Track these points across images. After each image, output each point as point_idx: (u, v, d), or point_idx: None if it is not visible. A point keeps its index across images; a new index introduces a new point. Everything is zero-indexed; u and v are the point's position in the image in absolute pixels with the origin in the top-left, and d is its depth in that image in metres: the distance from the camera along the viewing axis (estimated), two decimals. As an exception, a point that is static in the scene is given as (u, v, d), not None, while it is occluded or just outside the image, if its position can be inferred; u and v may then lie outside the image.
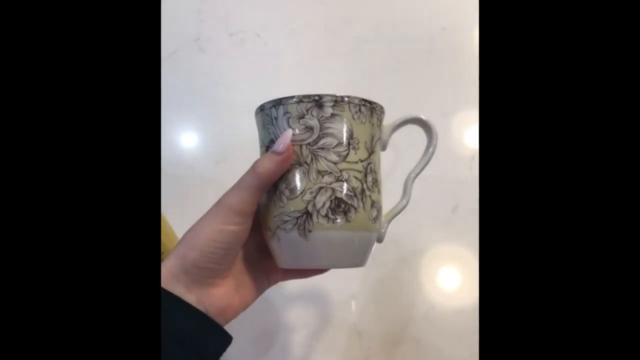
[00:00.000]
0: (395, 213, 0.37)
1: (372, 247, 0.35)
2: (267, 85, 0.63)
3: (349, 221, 0.32)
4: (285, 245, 0.33)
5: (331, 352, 0.52)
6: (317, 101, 0.32)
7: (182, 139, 0.62)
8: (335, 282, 0.54)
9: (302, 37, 0.66)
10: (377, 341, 0.52)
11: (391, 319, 0.53)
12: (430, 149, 0.37)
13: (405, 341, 0.52)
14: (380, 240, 0.36)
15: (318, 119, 0.32)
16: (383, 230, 0.36)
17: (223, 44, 0.66)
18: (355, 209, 0.32)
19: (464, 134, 0.60)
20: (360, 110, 0.33)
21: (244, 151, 0.61)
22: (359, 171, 0.33)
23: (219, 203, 0.32)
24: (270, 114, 0.33)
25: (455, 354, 0.51)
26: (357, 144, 0.33)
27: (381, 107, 0.35)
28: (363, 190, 0.33)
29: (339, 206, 0.32)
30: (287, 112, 0.32)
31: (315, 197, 0.32)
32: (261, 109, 0.34)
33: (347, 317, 0.53)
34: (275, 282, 0.38)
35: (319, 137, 0.32)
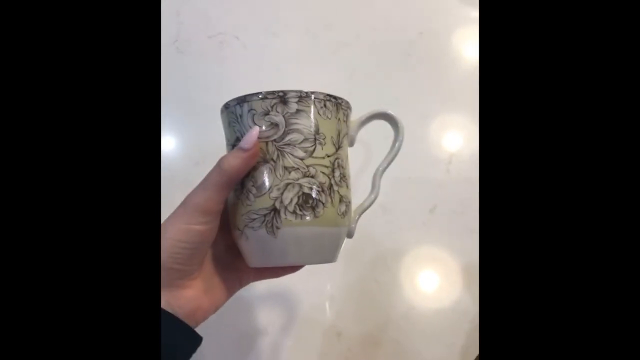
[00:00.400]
0: (365, 208, 0.37)
1: (342, 242, 0.35)
2: (247, 87, 0.63)
3: (317, 217, 0.32)
4: (253, 243, 0.32)
5: (310, 354, 0.52)
6: (282, 97, 0.32)
7: (161, 141, 0.61)
8: (314, 283, 0.54)
9: (282, 40, 0.66)
10: (357, 342, 0.52)
11: (370, 320, 0.53)
12: (397, 143, 0.37)
13: (384, 342, 0.52)
14: (350, 235, 0.36)
15: (283, 115, 0.32)
16: (353, 225, 0.36)
17: (202, 46, 0.65)
18: (323, 204, 0.32)
19: (442, 137, 0.61)
20: (325, 105, 0.33)
21: (223, 153, 0.60)
22: (326, 166, 0.32)
23: (184, 202, 0.31)
24: (235, 112, 0.33)
25: (434, 355, 0.52)
26: (324, 139, 0.32)
27: (347, 103, 0.35)
28: (331, 186, 0.32)
29: (306, 202, 0.31)
30: (251, 109, 0.32)
31: (282, 193, 0.31)
32: (226, 107, 0.33)
33: (326, 319, 0.53)
34: (247, 282, 0.37)
35: (285, 133, 0.31)
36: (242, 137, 0.32)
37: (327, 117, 0.33)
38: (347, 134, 0.35)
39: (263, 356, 0.52)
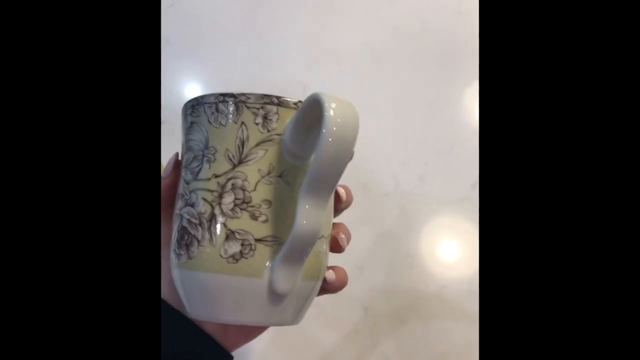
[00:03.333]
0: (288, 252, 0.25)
1: (259, 299, 0.25)
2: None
3: (191, 258, 0.25)
4: None
5: (334, 326, 0.50)
6: (184, 110, 0.28)
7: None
8: (344, 254, 0.52)
9: None
10: (383, 318, 0.50)
11: (399, 296, 0.51)
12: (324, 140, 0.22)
13: (412, 320, 0.50)
14: (280, 291, 0.25)
15: (184, 132, 0.28)
16: (279, 274, 0.25)
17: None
18: (198, 241, 0.25)
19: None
20: (217, 109, 0.25)
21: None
22: (210, 190, 0.25)
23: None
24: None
25: (463, 337, 0.49)
26: (213, 154, 0.26)
27: (259, 97, 0.25)
28: (213, 216, 0.25)
29: (182, 238, 0.26)
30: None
31: (174, 228, 0.27)
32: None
33: (353, 292, 0.51)
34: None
35: (183, 154, 0.28)
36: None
37: (221, 123, 0.25)
38: (268, 141, 0.26)
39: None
